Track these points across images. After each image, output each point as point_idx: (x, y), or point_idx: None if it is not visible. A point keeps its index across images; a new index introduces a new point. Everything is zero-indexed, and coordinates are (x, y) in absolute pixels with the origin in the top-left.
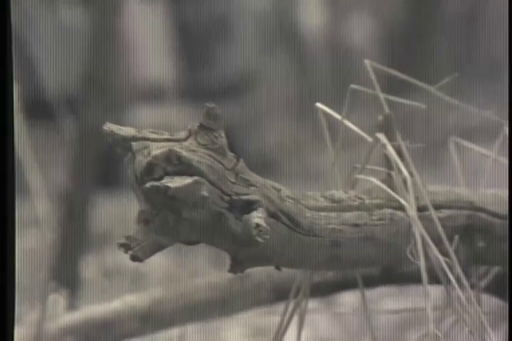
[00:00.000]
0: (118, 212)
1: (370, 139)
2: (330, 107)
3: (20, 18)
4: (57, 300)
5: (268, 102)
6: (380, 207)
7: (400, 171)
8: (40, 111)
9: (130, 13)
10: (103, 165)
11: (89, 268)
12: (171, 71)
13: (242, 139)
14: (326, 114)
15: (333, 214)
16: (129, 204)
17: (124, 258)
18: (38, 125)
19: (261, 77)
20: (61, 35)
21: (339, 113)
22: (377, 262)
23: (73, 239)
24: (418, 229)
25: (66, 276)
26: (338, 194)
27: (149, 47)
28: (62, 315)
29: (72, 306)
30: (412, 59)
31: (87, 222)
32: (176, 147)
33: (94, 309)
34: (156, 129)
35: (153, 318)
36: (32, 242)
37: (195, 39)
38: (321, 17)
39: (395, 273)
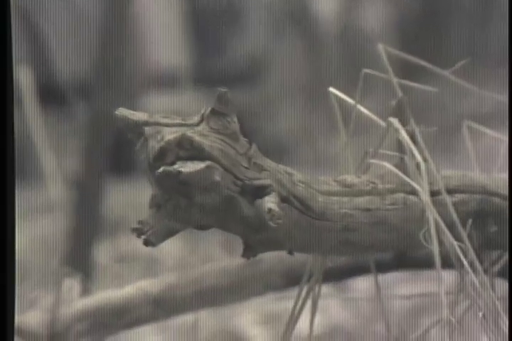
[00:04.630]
0: (131, 197)
1: (383, 124)
2: (343, 92)
3: (34, 3)
4: (72, 285)
5: (280, 87)
6: (392, 191)
7: (413, 156)
8: (53, 97)
9: None
10: (116, 151)
11: (102, 253)
12: (183, 57)
13: (254, 124)
14: (338, 99)
15: (345, 199)
16: (142, 190)
17: (137, 243)
18: (51, 111)
19: (273, 62)
20: (75, 21)
21: (352, 97)
22: (389, 247)
23: (87, 225)
24: (432, 214)
25: (80, 261)
26: (351, 178)
27: (162, 33)
28: (77, 300)
29: (86, 291)
30: (426, 43)
31: (101, 207)
32: (189, 132)
33: (107, 294)
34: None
35: (166, 304)
36: (46, 228)
37: (207, 25)
38: (333, 1)
39: (408, 258)
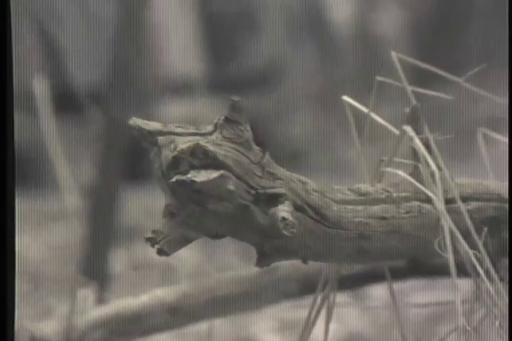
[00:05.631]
0: (146, 205)
1: (397, 132)
2: (357, 98)
3: (48, 9)
4: (87, 294)
5: (295, 93)
6: (407, 200)
7: (427, 164)
8: (68, 105)
9: (158, 4)
10: (130, 159)
11: (118, 262)
12: (198, 63)
13: (269, 131)
14: (352, 107)
15: (360, 208)
16: (158, 197)
17: (152, 252)
18: (66, 120)
19: (288, 69)
20: (89, 27)
21: (366, 105)
22: (404, 255)
23: (102, 233)
24: (446, 222)
25: (95, 270)
26: (365, 187)
27: (176, 40)
28: (92, 309)
29: (101, 300)
30: (440, 49)
31: (116, 215)
32: (202, 141)
33: (123, 303)
34: (183, 121)
35: (181, 312)
36: (61, 236)
37: (222, 30)
38: (348, 6)
39: (424, 266)
